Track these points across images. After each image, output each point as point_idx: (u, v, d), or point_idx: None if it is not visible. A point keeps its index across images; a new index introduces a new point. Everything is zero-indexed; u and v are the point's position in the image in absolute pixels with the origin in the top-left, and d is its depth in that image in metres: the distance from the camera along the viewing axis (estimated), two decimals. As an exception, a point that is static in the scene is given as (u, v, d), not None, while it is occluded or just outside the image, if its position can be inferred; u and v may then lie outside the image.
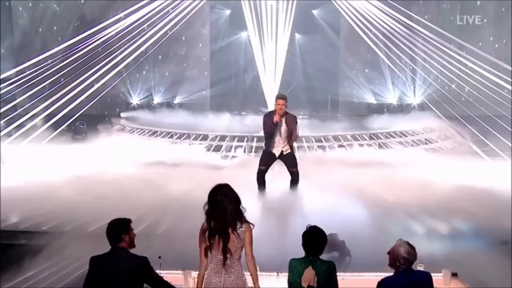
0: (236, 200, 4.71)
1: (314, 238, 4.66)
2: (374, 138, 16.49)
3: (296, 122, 9.28)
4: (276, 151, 9.32)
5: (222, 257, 4.66)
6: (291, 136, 9.22)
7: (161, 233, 8.54)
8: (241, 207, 4.72)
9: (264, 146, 9.55)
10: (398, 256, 4.41)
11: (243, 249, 4.73)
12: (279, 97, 9.21)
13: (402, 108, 21.70)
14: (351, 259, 7.11)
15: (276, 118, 9.02)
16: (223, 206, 4.64)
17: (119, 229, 4.69)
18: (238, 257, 4.72)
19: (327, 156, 15.04)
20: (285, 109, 9.07)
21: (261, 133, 16.46)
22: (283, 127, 9.10)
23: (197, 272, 4.82)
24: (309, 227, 4.72)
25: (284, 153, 9.29)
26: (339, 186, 10.90)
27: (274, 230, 7.79)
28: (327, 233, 4.75)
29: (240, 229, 4.68)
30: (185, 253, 7.20)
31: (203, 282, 4.71)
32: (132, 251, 4.72)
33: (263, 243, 6.91)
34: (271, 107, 17.32)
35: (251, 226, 4.75)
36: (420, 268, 6.03)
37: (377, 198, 10.23)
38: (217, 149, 15.75)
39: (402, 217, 9.22)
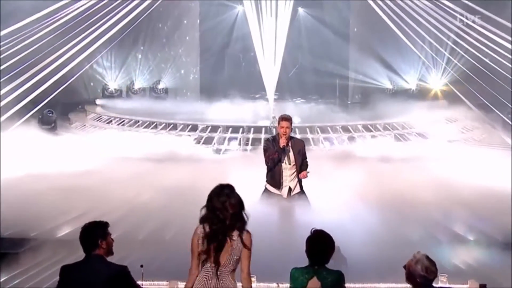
0: (239, 204, 4.66)
1: (320, 244, 4.66)
2: (390, 128, 16.52)
3: (304, 148, 8.61)
4: (283, 190, 8.47)
5: (213, 266, 4.63)
6: (300, 167, 8.45)
7: (143, 239, 8.54)
8: (243, 213, 4.66)
9: (265, 184, 8.63)
10: (415, 274, 4.41)
11: (238, 262, 4.67)
12: (283, 118, 8.52)
13: (422, 94, 21.73)
14: (347, 268, 7.12)
15: (282, 142, 8.36)
16: (225, 209, 4.61)
17: (95, 233, 4.68)
18: (232, 269, 4.67)
19: (335, 150, 15.07)
20: (290, 132, 8.65)
21: (259, 123, 16.71)
22: (290, 155, 8.41)
23: (185, 284, 4.82)
24: (314, 231, 4.72)
25: (293, 192, 8.49)
26: (349, 184, 10.92)
27: (274, 235, 7.80)
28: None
29: (235, 238, 4.62)
30: (171, 262, 7.22)
31: None
32: (110, 259, 4.72)
33: (262, 249, 6.88)
34: (270, 92, 17.45)
35: (250, 236, 4.67)
36: (443, 278, 6.08)
37: (391, 198, 10.24)
38: (208, 141, 15.76)
39: (421, 220, 9.23)
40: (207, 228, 4.64)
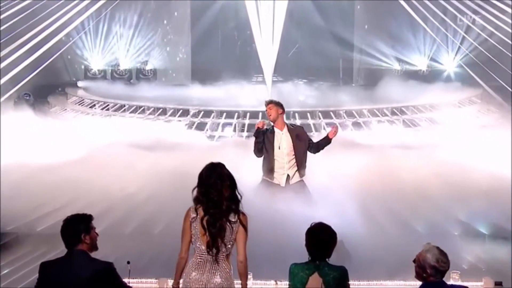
0: (231, 182, 4.84)
1: (321, 237, 4.69)
2: (398, 113, 16.51)
3: (305, 133, 8.68)
4: (279, 178, 8.47)
5: (209, 250, 4.76)
6: (318, 148, 8.55)
7: (131, 233, 8.57)
8: (237, 192, 4.84)
9: (262, 175, 8.66)
10: (425, 264, 4.43)
11: (234, 245, 4.83)
12: (265, 103, 8.69)
13: (433, 75, 21.69)
14: (350, 264, 7.15)
15: (259, 124, 8.43)
16: (217, 190, 4.77)
17: (78, 227, 4.68)
18: (227, 253, 4.83)
19: (338, 136, 15.01)
20: (280, 114, 8.44)
21: (257, 108, 16.63)
22: (283, 140, 8.43)
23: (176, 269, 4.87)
24: (314, 224, 4.76)
25: (291, 180, 8.50)
26: (353, 173, 10.94)
27: (271, 228, 7.83)
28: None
29: (234, 220, 4.79)
30: (160, 257, 7.27)
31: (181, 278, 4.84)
32: (94, 254, 4.73)
33: (258, 243, 6.93)
34: (267, 74, 17.39)
35: (247, 218, 4.84)
36: (455, 276, 6.12)
37: (399, 189, 10.28)
38: (201, 127, 15.76)
39: (432, 212, 9.28)
40: (201, 212, 4.77)
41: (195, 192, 4.87)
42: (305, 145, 8.51)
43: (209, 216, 4.76)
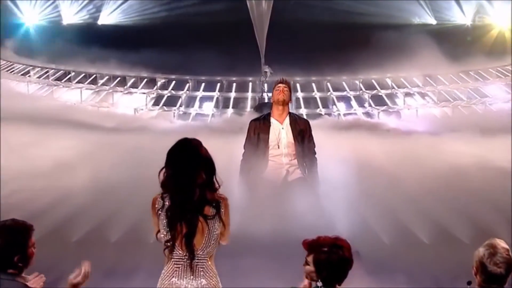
0: (208, 166, 4.87)
1: (333, 265, 4.51)
2: (432, 83, 16.58)
3: (309, 128, 8.86)
4: (278, 172, 8.71)
5: (185, 253, 4.81)
6: (302, 151, 8.71)
7: (80, 240, 8.62)
8: (215, 179, 4.87)
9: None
10: (475, 260, 4.52)
11: (217, 244, 4.88)
12: (280, 80, 8.86)
13: (480, 33, 21.69)
14: (368, 275, 7.25)
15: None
16: (188, 174, 4.80)
17: (13, 247, 4.48)
18: (210, 255, 4.88)
19: (353, 115, 15.14)
20: (289, 98, 8.70)
21: (246, 76, 16.53)
22: (285, 137, 8.66)
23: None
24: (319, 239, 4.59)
25: (290, 178, 8.77)
26: (372, 165, 11.01)
27: (266, 237, 7.90)
28: None
29: (210, 215, 4.81)
30: (119, 271, 7.32)
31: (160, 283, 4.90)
32: (28, 271, 4.57)
33: (249, 255, 7.03)
34: (260, 33, 17.36)
35: (227, 201, 4.88)
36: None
37: (431, 183, 10.32)
38: (171, 102, 15.80)
39: (472, 212, 9.33)
40: (167, 202, 4.83)
41: (162, 176, 4.88)
42: (303, 139, 8.67)
43: (175, 208, 4.81)
